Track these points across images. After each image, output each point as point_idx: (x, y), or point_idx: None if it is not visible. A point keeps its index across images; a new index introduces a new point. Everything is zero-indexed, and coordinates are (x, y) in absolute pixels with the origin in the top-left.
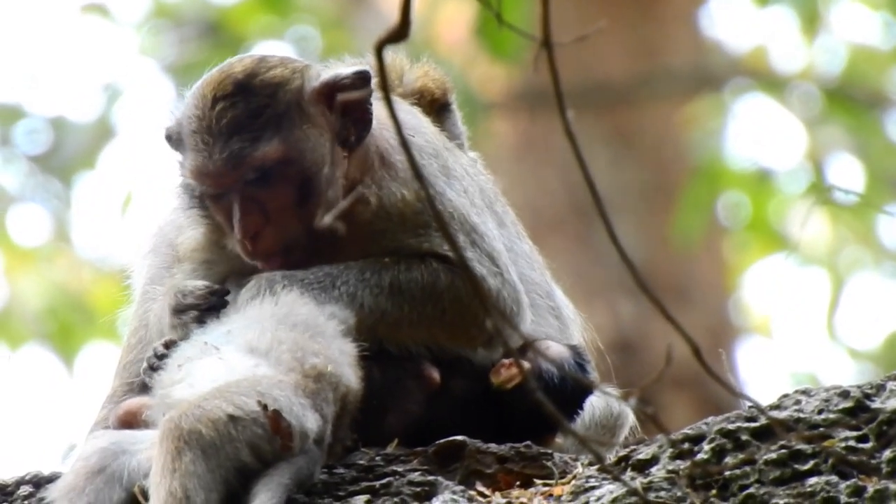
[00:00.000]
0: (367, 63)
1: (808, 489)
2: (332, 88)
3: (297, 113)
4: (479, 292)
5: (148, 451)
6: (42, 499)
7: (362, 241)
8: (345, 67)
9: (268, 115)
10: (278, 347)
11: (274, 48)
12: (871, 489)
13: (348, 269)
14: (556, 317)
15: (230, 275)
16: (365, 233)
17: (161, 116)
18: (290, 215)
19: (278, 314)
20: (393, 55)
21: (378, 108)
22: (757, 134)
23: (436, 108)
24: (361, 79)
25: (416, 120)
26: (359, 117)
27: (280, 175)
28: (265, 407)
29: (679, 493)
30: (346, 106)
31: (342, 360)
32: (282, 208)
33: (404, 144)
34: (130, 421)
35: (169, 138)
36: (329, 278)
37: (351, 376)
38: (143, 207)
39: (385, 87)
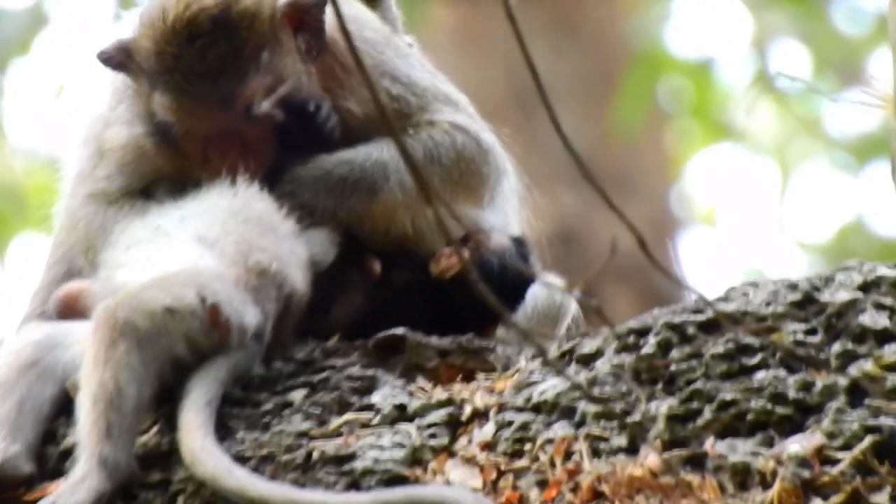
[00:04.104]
0: None
1: (756, 384)
2: (297, 10)
3: (273, 41)
4: (414, 171)
5: (83, 343)
6: None
7: (354, 142)
8: None
9: (249, 48)
10: (224, 239)
11: None
12: (819, 384)
13: (385, 149)
14: None
15: (157, 177)
16: (356, 137)
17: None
18: (270, 142)
19: (233, 206)
20: None
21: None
22: (700, 20)
23: None
24: None
25: (356, 10)
26: (315, 30)
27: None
28: (204, 299)
29: (624, 388)
30: (305, 22)
31: (291, 261)
32: (263, 138)
33: (355, 57)
34: (71, 304)
35: (108, 60)
36: (380, 166)
37: (298, 278)
38: (78, 96)
39: None
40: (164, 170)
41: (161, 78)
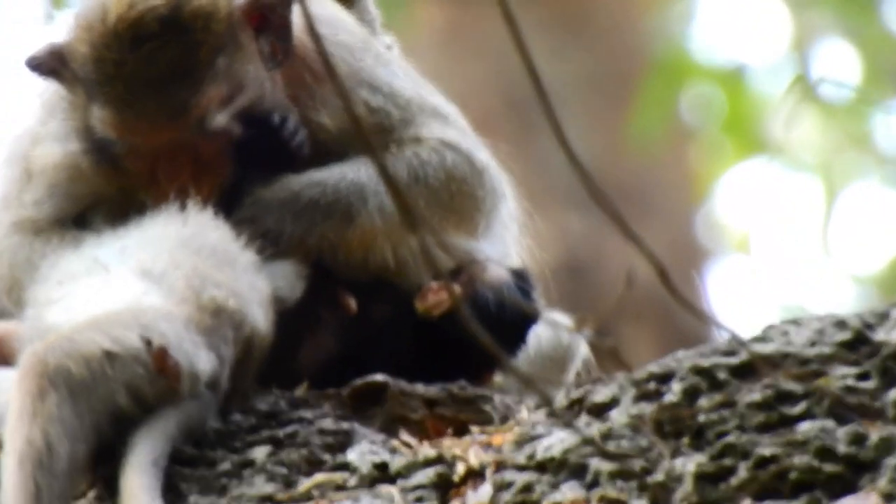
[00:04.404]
0: None
1: (799, 437)
2: (259, 8)
3: (231, 43)
4: (396, 193)
5: (8, 394)
6: None
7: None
8: None
9: (204, 52)
10: (173, 273)
11: None
12: (874, 436)
13: (363, 169)
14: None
15: (94, 201)
16: (329, 154)
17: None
18: (228, 160)
19: (183, 235)
20: None
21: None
22: (731, 19)
23: None
24: None
25: (329, 10)
26: (280, 30)
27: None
28: (149, 342)
29: (644, 443)
30: (269, 21)
31: (251, 297)
32: (219, 155)
33: (327, 63)
34: None
35: (38, 68)
36: (356, 188)
37: (259, 317)
38: (2, 109)
39: None
40: (102, 193)
41: (100, 88)
